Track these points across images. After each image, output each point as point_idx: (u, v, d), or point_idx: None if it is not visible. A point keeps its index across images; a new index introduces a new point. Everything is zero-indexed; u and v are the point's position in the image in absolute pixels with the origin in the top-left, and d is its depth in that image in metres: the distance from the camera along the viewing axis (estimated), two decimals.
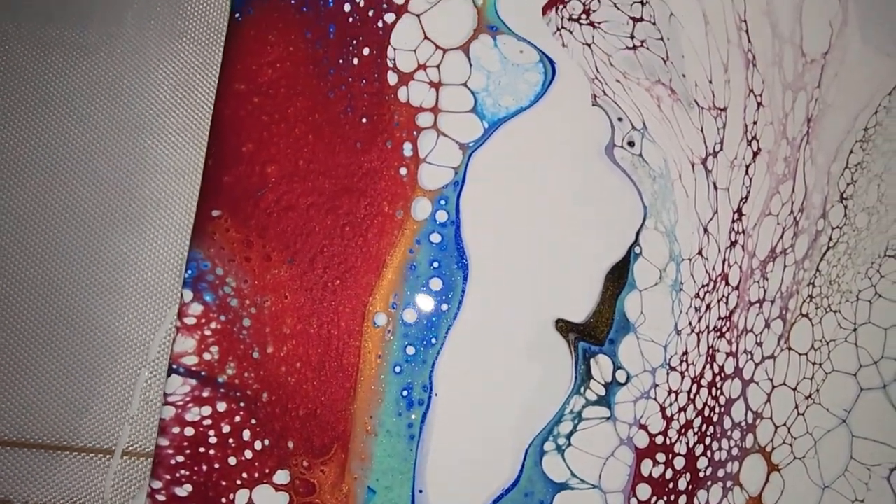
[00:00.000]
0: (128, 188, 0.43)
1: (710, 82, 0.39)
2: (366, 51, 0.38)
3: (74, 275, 0.42)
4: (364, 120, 0.37)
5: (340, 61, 0.38)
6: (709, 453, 0.36)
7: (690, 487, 0.36)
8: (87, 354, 0.41)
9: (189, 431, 0.34)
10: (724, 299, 0.37)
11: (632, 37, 0.39)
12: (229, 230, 0.36)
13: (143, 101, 0.44)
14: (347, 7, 0.39)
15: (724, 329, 0.37)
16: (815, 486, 0.37)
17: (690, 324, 0.37)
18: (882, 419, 0.37)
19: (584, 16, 0.39)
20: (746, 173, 0.38)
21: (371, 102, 0.38)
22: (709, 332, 0.37)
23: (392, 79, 0.38)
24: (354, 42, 0.38)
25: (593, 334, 0.36)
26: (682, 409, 0.36)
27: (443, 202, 0.37)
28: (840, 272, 0.38)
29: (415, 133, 0.37)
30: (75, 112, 0.43)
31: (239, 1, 0.38)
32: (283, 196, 0.37)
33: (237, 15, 0.38)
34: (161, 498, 0.34)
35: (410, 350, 0.35)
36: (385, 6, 0.39)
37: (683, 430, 0.36)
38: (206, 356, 0.35)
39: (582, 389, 0.36)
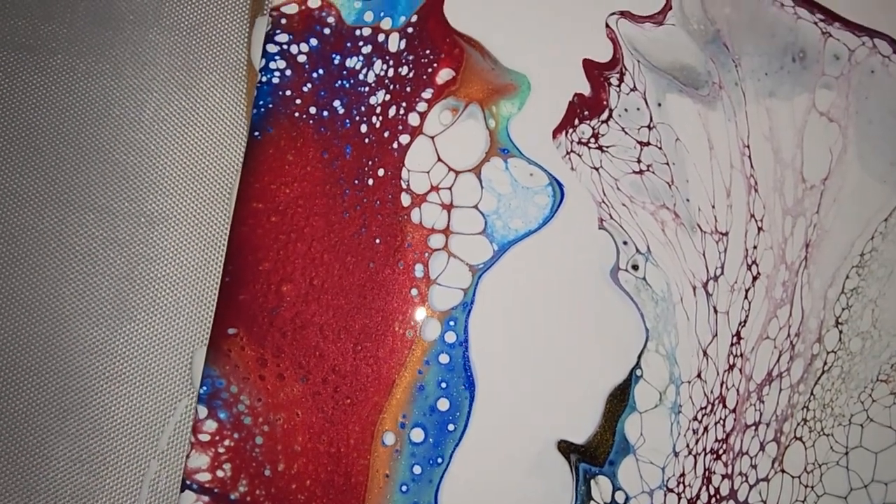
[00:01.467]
0: (142, 279, 0.43)
1: (713, 207, 0.39)
2: (381, 171, 0.39)
3: (86, 364, 0.42)
4: (378, 241, 0.38)
5: (356, 181, 0.38)
6: None
7: None
8: (97, 444, 0.42)
9: None
10: (722, 422, 0.38)
11: (638, 161, 0.40)
12: (244, 348, 0.37)
13: (161, 194, 0.44)
14: (364, 128, 0.39)
15: (721, 451, 0.37)
16: None
17: (688, 446, 0.37)
18: None
19: (592, 139, 0.39)
20: (746, 297, 0.39)
21: (385, 223, 0.38)
22: (706, 454, 0.37)
23: (405, 200, 0.39)
24: (370, 163, 0.39)
25: (594, 455, 0.37)
26: None
27: (452, 323, 0.37)
28: (834, 396, 0.38)
29: (426, 254, 0.38)
30: (93, 204, 0.44)
31: (258, 119, 0.39)
32: (298, 315, 0.37)
33: (256, 133, 0.39)
34: None
35: (417, 469, 0.36)
36: (400, 127, 0.39)
37: None
38: (220, 473, 0.36)
39: None
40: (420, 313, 0.38)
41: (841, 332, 0.39)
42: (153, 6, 0.46)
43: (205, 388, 0.37)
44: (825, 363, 0.39)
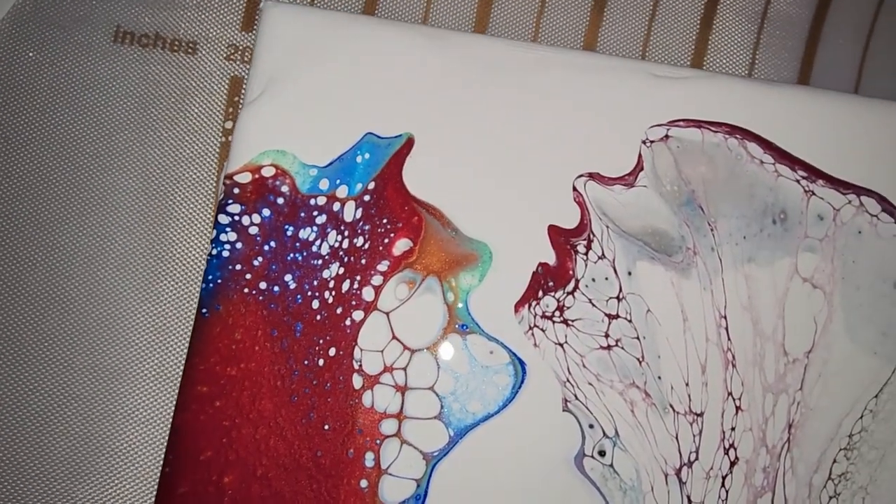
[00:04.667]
0: (98, 437, 0.40)
1: (687, 384, 0.35)
2: (332, 351, 0.35)
3: None
4: (327, 427, 0.34)
5: (306, 362, 0.35)
6: None
7: None
8: None
9: None
10: None
11: (606, 335, 0.35)
12: None
13: (120, 347, 0.40)
14: (316, 304, 0.35)
15: None
16: None
17: None
18: None
19: (557, 313, 0.35)
20: (723, 485, 0.34)
21: (335, 408, 0.34)
22: None
23: (357, 382, 0.35)
24: (321, 341, 0.35)
25: None
26: None
27: None
28: None
29: (377, 441, 0.34)
30: (49, 358, 0.40)
31: (207, 295, 0.35)
32: None
33: (204, 311, 0.35)
34: None
35: None
36: (354, 303, 0.35)
37: None
38: None
39: None
40: None
41: None
42: (120, 149, 0.42)
43: None
44: None
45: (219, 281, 0.36)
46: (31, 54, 0.43)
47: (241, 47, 0.43)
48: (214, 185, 0.42)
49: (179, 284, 0.41)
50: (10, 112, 0.43)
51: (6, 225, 0.42)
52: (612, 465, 0.35)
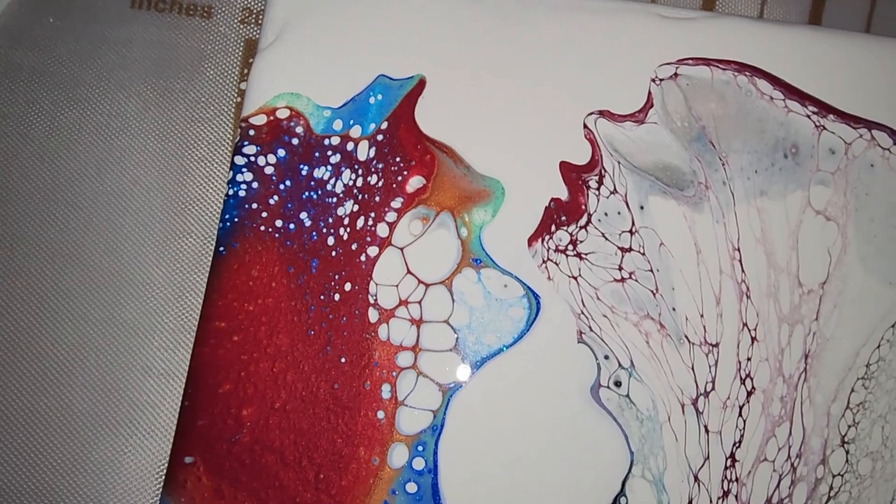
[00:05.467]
0: (117, 390, 0.39)
1: (702, 316, 0.34)
2: (347, 286, 0.34)
3: (61, 481, 0.38)
4: (343, 360, 0.34)
5: (322, 297, 0.34)
6: None
7: None
8: None
9: None
10: None
11: (620, 268, 0.35)
12: (201, 478, 0.33)
13: (138, 302, 0.40)
14: (331, 240, 0.35)
15: None
16: None
17: None
18: None
19: (570, 247, 0.35)
20: (740, 415, 0.33)
21: (351, 341, 0.34)
22: None
23: (373, 316, 0.34)
24: (336, 277, 0.35)
25: None
26: None
27: (420, 448, 0.33)
28: None
29: (394, 374, 0.34)
30: (70, 312, 0.40)
31: (224, 234, 0.35)
32: (258, 441, 0.33)
33: (221, 248, 0.35)
34: None
35: None
36: (369, 239, 0.35)
37: None
38: None
39: None
40: (387, 438, 0.33)
41: (848, 452, 0.34)
42: (137, 111, 0.42)
43: None
44: (831, 488, 0.33)
45: (235, 220, 0.36)
46: (50, 20, 0.44)
47: (255, 10, 0.44)
48: (230, 146, 0.42)
49: (196, 242, 0.41)
50: (31, 75, 0.43)
51: (27, 185, 0.42)
52: (628, 396, 0.34)
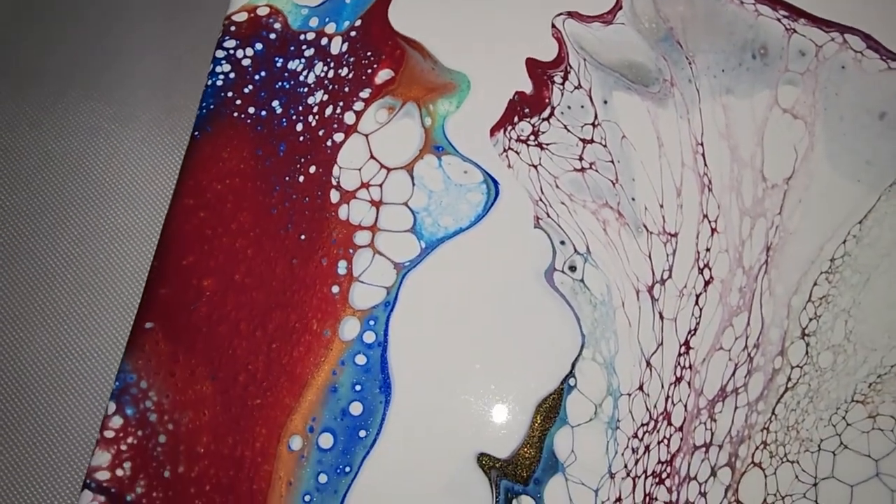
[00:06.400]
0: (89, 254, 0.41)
1: (661, 206, 0.33)
2: (312, 168, 0.35)
3: (39, 372, 0.39)
4: (303, 237, 0.34)
5: (287, 178, 0.35)
6: None
7: None
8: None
9: None
10: (666, 441, 0.31)
11: (580, 158, 0.34)
12: (159, 343, 0.33)
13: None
14: (300, 126, 0.35)
15: (664, 475, 0.30)
16: None
17: (626, 466, 0.30)
18: None
19: (532, 137, 0.34)
20: (696, 304, 0.32)
21: (311, 219, 0.34)
22: (646, 477, 0.30)
23: (334, 196, 0.34)
24: (302, 160, 0.35)
25: (517, 472, 0.30)
26: None
27: (372, 322, 0.32)
28: (799, 417, 0.31)
29: (351, 251, 0.33)
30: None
31: (201, 120, 0.35)
32: (215, 310, 0.33)
33: (196, 133, 0.35)
34: None
35: (323, 478, 0.31)
36: (336, 126, 0.35)
37: None
38: (119, 472, 0.31)
39: None
40: (339, 311, 0.33)
41: (808, 344, 0.32)
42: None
43: (118, 383, 0.32)
44: (789, 379, 0.32)
45: (212, 107, 0.37)
46: None
47: None
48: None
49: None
50: None
51: None
52: (582, 280, 0.33)
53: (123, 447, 0.32)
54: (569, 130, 0.36)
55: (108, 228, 0.41)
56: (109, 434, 0.33)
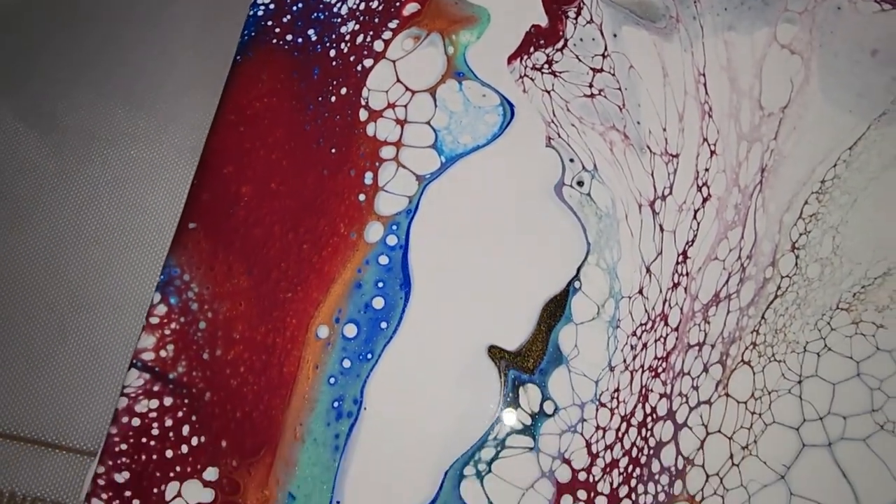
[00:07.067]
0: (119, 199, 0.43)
1: (665, 130, 0.36)
2: (343, 90, 0.37)
3: (68, 292, 0.42)
4: (333, 150, 0.36)
5: (320, 98, 0.37)
6: (633, 496, 0.31)
7: None
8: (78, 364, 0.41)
9: (136, 422, 0.33)
10: (662, 339, 0.33)
11: (590, 85, 0.36)
12: (200, 241, 0.35)
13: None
14: (333, 52, 0.38)
15: (660, 369, 0.32)
16: None
17: (625, 361, 0.32)
18: (825, 479, 0.31)
19: (546, 65, 0.37)
20: (694, 218, 0.34)
21: (341, 135, 0.37)
22: (643, 371, 0.32)
23: (363, 115, 0.37)
24: (334, 83, 0.37)
25: (524, 362, 0.33)
26: (609, 448, 0.32)
27: (394, 227, 0.35)
28: (787, 322, 0.33)
29: (377, 164, 0.36)
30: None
31: (243, 46, 0.38)
32: (252, 214, 0.36)
33: (238, 57, 0.38)
34: (101, 482, 0.32)
35: (347, 363, 0.33)
36: (365, 52, 0.38)
37: (608, 469, 0.31)
38: (163, 353, 0.34)
39: (507, 416, 0.32)
40: (365, 216, 0.35)
41: (797, 257, 0.34)
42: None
43: (163, 276, 0.35)
44: (779, 287, 0.34)
45: (253, 34, 0.39)
46: None
47: None
48: None
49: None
50: None
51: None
52: (588, 194, 0.36)
53: (167, 332, 0.35)
54: (580, 60, 0.38)
55: (152, 143, 0.44)
56: (154, 320, 0.35)
